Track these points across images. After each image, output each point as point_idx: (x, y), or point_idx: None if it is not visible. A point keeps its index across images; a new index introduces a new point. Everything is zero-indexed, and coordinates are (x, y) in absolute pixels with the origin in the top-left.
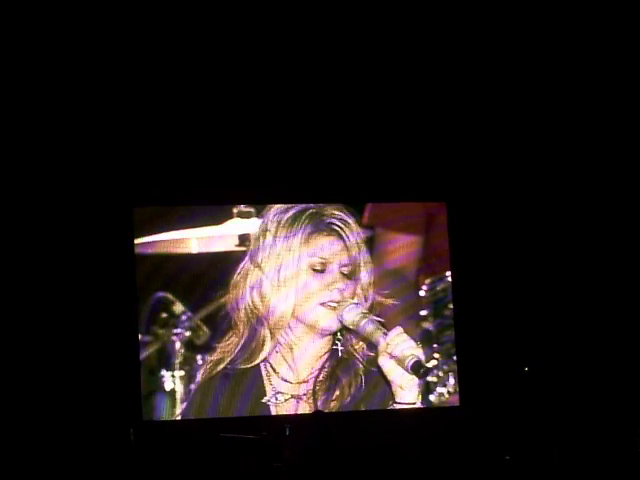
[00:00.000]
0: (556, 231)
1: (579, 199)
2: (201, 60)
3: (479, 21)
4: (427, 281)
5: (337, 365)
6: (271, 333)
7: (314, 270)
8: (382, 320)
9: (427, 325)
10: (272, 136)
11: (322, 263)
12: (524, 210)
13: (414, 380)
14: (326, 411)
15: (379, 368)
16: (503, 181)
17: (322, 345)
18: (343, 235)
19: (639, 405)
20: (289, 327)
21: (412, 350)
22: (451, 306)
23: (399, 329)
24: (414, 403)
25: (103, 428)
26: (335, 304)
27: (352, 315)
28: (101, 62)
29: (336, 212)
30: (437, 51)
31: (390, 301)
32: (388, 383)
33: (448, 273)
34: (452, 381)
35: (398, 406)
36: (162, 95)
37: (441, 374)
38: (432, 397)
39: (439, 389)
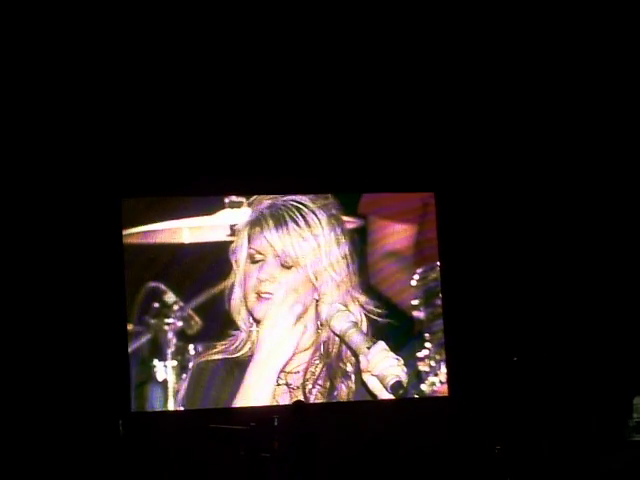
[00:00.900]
0: (544, 221)
1: (567, 190)
2: (189, 51)
3: (467, 15)
4: (418, 270)
5: (327, 358)
6: (246, 323)
7: (252, 262)
8: (366, 333)
9: (418, 314)
10: (263, 128)
11: (259, 253)
12: (513, 200)
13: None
14: (317, 401)
15: (364, 384)
16: (492, 172)
17: (302, 337)
18: (276, 227)
19: (628, 395)
20: (250, 318)
21: (393, 369)
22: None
23: (381, 345)
24: None
25: (92, 419)
26: (269, 295)
27: (341, 324)
28: (91, 55)
29: (294, 202)
30: (426, 47)
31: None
32: (375, 397)
33: (438, 263)
34: (444, 369)
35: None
36: (151, 86)
37: (432, 363)
38: (423, 386)
39: (430, 378)
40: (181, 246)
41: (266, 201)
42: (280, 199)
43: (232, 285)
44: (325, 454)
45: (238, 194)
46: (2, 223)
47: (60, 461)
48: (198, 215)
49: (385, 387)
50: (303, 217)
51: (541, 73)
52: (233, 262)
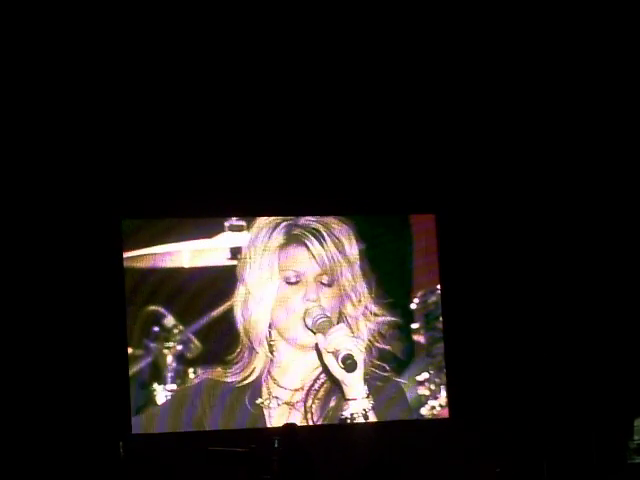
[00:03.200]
0: (545, 245)
1: (567, 213)
2: (192, 72)
3: (474, 34)
4: (419, 293)
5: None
6: (255, 348)
7: (288, 283)
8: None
9: (418, 337)
10: (263, 150)
11: (296, 275)
12: (514, 223)
13: (354, 375)
14: (319, 423)
15: (324, 366)
16: (493, 194)
17: (314, 358)
18: (310, 246)
19: (628, 418)
20: (273, 341)
21: (346, 345)
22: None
23: (341, 326)
24: (362, 399)
25: (93, 441)
26: (323, 316)
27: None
28: (94, 76)
29: (308, 222)
30: (427, 67)
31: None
32: (335, 382)
33: (439, 286)
34: (444, 394)
35: (348, 403)
36: (152, 108)
37: (433, 387)
38: (423, 410)
39: (430, 402)
40: (181, 270)
41: (285, 222)
42: (298, 220)
43: (244, 306)
44: (324, 477)
45: (239, 216)
46: (3, 244)
47: None
48: (198, 238)
49: (339, 363)
50: (332, 237)
51: (541, 97)
52: (243, 282)
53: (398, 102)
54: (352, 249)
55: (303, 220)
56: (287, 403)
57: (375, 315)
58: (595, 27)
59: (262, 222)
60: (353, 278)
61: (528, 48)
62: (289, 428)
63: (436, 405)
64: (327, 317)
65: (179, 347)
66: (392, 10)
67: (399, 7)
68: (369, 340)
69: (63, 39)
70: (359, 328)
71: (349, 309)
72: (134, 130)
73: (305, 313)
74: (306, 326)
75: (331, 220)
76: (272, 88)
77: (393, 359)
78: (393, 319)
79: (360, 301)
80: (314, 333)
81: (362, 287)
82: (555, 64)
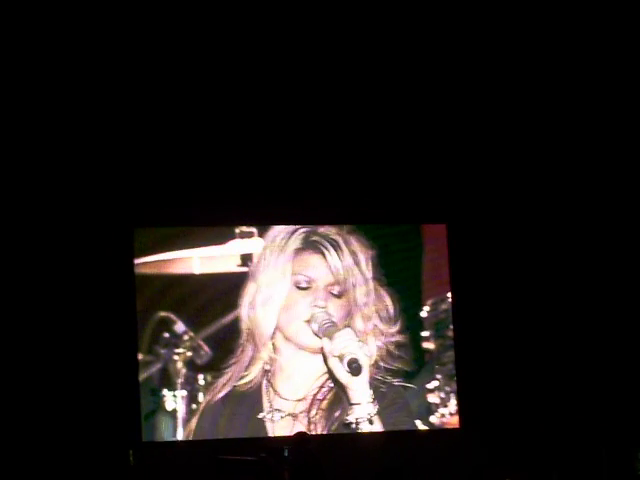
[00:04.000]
0: (557, 254)
1: (579, 221)
2: (201, 84)
3: (485, 41)
4: (429, 301)
5: (337, 381)
6: (261, 350)
7: (298, 287)
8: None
9: (428, 345)
10: (272, 158)
11: (307, 281)
12: (524, 232)
13: (359, 379)
14: (324, 432)
15: (329, 371)
16: (504, 203)
17: (319, 364)
18: (327, 255)
19: (638, 430)
20: (278, 344)
21: (351, 349)
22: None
23: (348, 330)
24: (367, 403)
25: (103, 449)
26: (329, 322)
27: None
28: (108, 86)
29: (328, 232)
30: (436, 74)
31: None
32: (340, 386)
33: (449, 294)
34: (454, 401)
35: (353, 407)
36: (163, 117)
37: (443, 395)
38: (433, 418)
39: (441, 410)
40: (191, 276)
41: (304, 229)
42: (318, 229)
43: (251, 308)
44: None
45: (249, 224)
46: (15, 252)
47: None
48: (209, 245)
49: (344, 367)
50: (350, 251)
51: (554, 103)
52: (255, 281)
53: (411, 115)
54: (369, 266)
55: (323, 229)
56: (290, 414)
57: (384, 335)
58: (601, 25)
59: (280, 227)
60: (366, 294)
61: (546, 59)
62: (301, 437)
63: (446, 413)
64: (333, 322)
65: (189, 353)
66: (404, 15)
67: (409, 11)
68: (377, 356)
69: (80, 49)
70: (367, 343)
71: (358, 324)
72: (147, 140)
73: (311, 318)
74: (312, 331)
75: (350, 234)
76: (286, 99)
77: (402, 373)
78: (401, 339)
79: (370, 318)
80: (320, 338)
81: (374, 304)
82: (569, 77)
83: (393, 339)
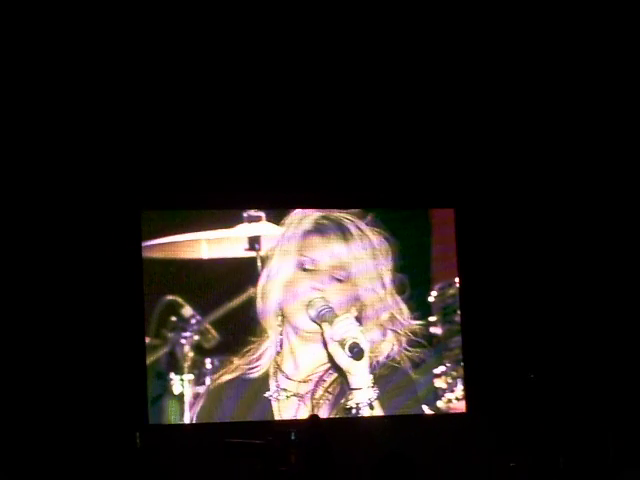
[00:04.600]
0: (564, 238)
1: (587, 207)
2: (211, 68)
3: (487, 33)
4: (437, 286)
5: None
6: (269, 333)
7: (303, 269)
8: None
9: (435, 330)
10: (282, 142)
11: (312, 263)
12: (532, 217)
13: (360, 364)
14: (329, 414)
15: (330, 356)
16: (512, 188)
17: (321, 350)
18: (335, 239)
19: None
20: (284, 327)
21: (352, 333)
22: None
23: (348, 316)
24: (367, 388)
25: (110, 431)
26: (326, 308)
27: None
28: (111, 69)
29: (340, 216)
30: (446, 61)
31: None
32: (340, 371)
33: (457, 279)
34: (460, 386)
35: (353, 392)
36: (172, 100)
37: (450, 380)
38: (440, 403)
39: (447, 395)
40: (199, 260)
41: (316, 213)
42: (332, 213)
43: (263, 290)
44: (340, 470)
45: (257, 208)
46: (22, 236)
47: (77, 473)
48: (216, 229)
49: (345, 352)
50: (361, 237)
51: (563, 89)
52: (268, 267)
53: (420, 99)
54: (380, 252)
55: (337, 213)
56: (295, 395)
57: (392, 322)
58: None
59: (299, 211)
60: (374, 280)
61: (551, 44)
62: (313, 420)
63: (452, 398)
64: (330, 309)
65: (196, 337)
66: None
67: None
68: (384, 342)
69: (82, 31)
70: (371, 329)
71: (363, 310)
72: (155, 123)
73: (308, 305)
74: (309, 317)
75: (361, 219)
76: (297, 82)
77: (412, 358)
78: (410, 324)
79: (385, 308)
80: (318, 324)
81: (381, 291)
82: (575, 60)
83: (403, 324)
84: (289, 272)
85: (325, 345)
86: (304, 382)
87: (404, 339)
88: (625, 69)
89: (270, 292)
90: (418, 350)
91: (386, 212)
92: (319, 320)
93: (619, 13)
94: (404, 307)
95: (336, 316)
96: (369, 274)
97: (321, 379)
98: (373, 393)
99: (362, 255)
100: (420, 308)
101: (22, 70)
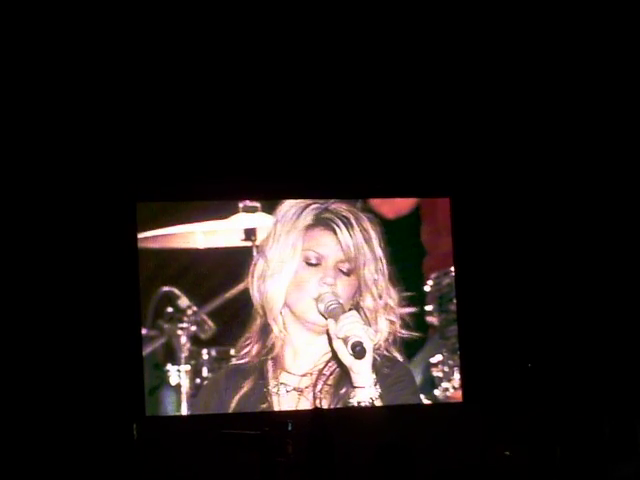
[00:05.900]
0: (560, 227)
1: (583, 195)
2: (204, 57)
3: (479, 15)
4: (432, 275)
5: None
6: (270, 325)
7: (308, 264)
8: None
9: (432, 319)
10: (276, 131)
11: (317, 257)
12: (528, 205)
13: (362, 363)
14: (330, 406)
15: (333, 352)
16: (508, 176)
17: (326, 342)
18: (337, 231)
19: None
20: (286, 319)
21: (356, 331)
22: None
23: (353, 313)
24: (370, 387)
25: (106, 423)
26: (335, 302)
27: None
28: (104, 58)
29: (340, 209)
30: (440, 48)
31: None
32: (343, 368)
33: (452, 268)
34: (457, 376)
35: (355, 390)
36: (166, 90)
37: (446, 369)
38: (437, 392)
39: (444, 384)
40: (195, 251)
41: (315, 205)
42: (329, 205)
43: (262, 281)
44: (338, 459)
45: (253, 199)
46: (16, 227)
47: (74, 465)
48: (212, 219)
49: (348, 350)
50: (361, 228)
51: (559, 78)
52: (265, 258)
53: (415, 88)
54: (380, 243)
55: (334, 205)
56: (296, 389)
57: (396, 307)
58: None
59: (292, 201)
60: (376, 271)
61: (544, 35)
62: (317, 411)
63: (449, 387)
64: (339, 304)
65: (193, 328)
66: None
67: None
68: (389, 332)
69: (77, 37)
70: (377, 322)
71: (368, 302)
72: (149, 113)
73: (318, 298)
74: (318, 311)
75: (362, 211)
76: (292, 71)
77: (415, 343)
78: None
79: (381, 296)
80: (326, 318)
81: (384, 282)
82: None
83: (406, 310)
84: (293, 266)
85: (330, 341)
86: (305, 376)
87: (400, 328)
88: (622, 63)
89: (270, 285)
90: (414, 339)
91: (382, 201)
92: (327, 314)
93: (619, 13)
94: (399, 296)
95: (343, 311)
96: (369, 265)
97: (322, 372)
98: (375, 392)
99: (363, 246)
100: (416, 297)
101: (15, 64)
